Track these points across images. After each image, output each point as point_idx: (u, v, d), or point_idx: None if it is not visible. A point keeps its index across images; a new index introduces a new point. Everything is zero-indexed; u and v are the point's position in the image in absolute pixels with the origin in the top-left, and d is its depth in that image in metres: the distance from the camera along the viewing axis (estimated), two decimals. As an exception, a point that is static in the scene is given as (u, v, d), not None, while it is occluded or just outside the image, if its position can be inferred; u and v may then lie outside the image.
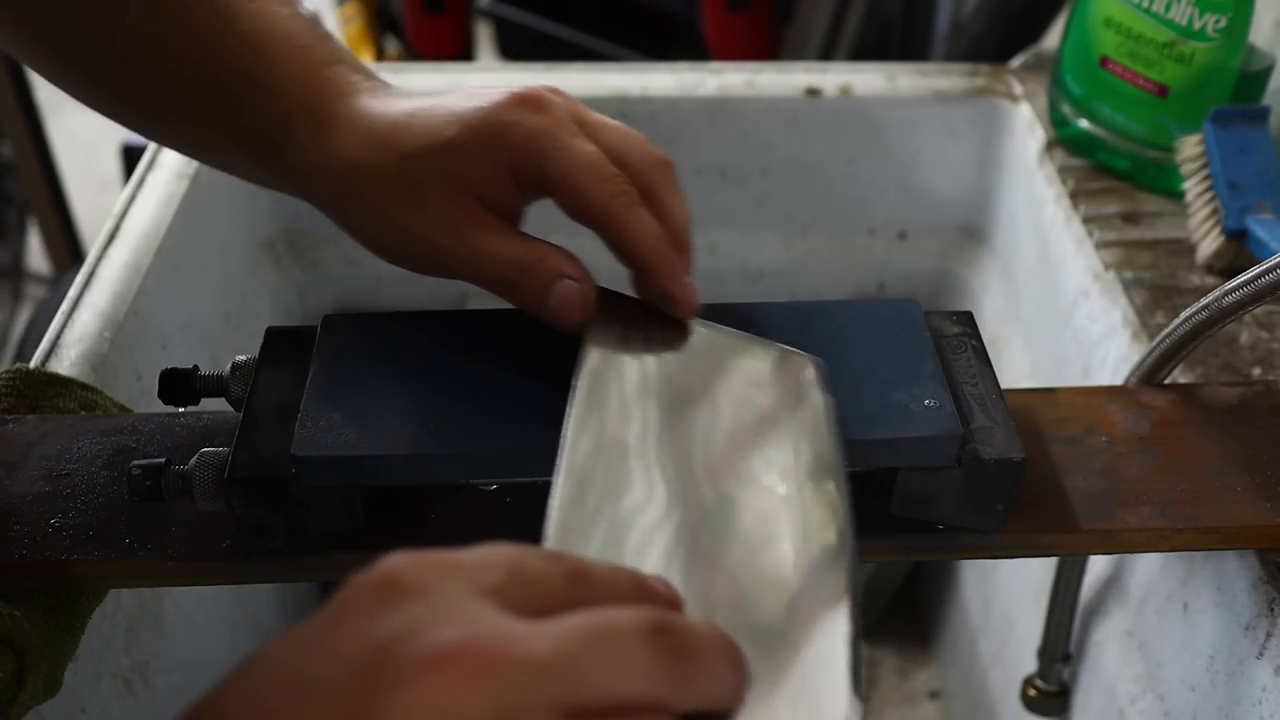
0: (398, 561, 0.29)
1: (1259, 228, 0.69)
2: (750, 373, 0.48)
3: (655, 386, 0.45)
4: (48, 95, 2.03)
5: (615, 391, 0.44)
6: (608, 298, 0.50)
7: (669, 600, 0.33)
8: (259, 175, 0.53)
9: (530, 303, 0.48)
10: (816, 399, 0.47)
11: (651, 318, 0.49)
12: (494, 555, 0.30)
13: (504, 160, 0.47)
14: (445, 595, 0.28)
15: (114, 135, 1.62)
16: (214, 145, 0.53)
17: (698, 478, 0.41)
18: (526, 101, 0.48)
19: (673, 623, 0.30)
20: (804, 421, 0.45)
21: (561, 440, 0.40)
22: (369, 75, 0.52)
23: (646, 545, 0.37)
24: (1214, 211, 0.73)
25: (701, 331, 0.50)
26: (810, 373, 0.48)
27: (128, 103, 0.53)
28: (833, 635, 0.37)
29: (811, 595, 0.38)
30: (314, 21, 0.53)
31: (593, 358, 0.45)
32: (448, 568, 0.29)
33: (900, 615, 1.16)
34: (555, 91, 0.49)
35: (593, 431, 0.41)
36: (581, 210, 0.48)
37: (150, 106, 0.53)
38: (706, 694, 0.30)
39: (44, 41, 0.52)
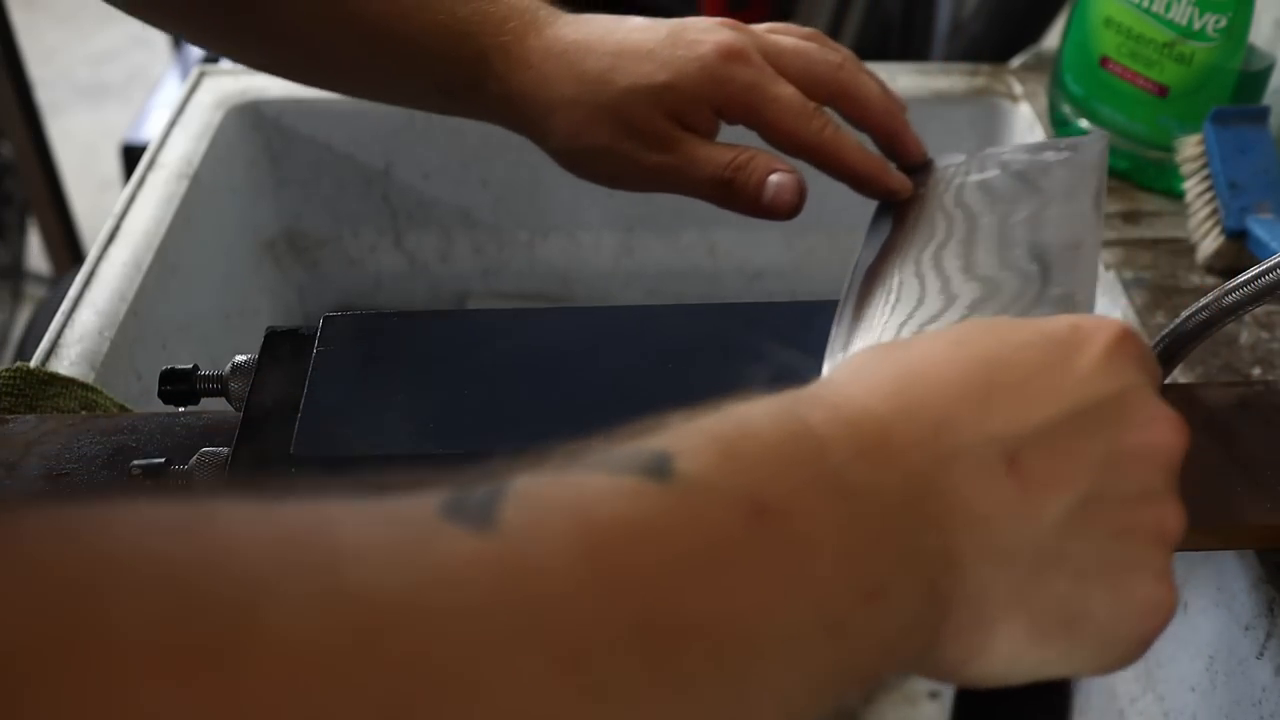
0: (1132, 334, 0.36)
1: (1259, 228, 0.69)
2: (1005, 168, 0.56)
3: (914, 211, 0.55)
4: (48, 95, 2.03)
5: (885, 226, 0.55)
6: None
7: None
8: (455, 110, 0.57)
9: (748, 196, 0.53)
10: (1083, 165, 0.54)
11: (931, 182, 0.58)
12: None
13: (715, 105, 0.53)
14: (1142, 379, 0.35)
15: (114, 135, 1.62)
16: (408, 92, 0.57)
17: (947, 272, 0.49)
18: (733, 56, 0.53)
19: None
20: (1062, 191, 0.53)
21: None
22: (540, 2, 0.56)
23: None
24: (1214, 211, 0.73)
25: (943, 166, 0.59)
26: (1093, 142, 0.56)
27: (312, 60, 0.57)
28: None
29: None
30: None
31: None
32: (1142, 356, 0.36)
33: (900, 615, 1.16)
34: (738, 27, 0.54)
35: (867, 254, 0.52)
36: (794, 149, 0.54)
37: (339, 63, 0.56)
38: None
39: (231, 15, 0.55)
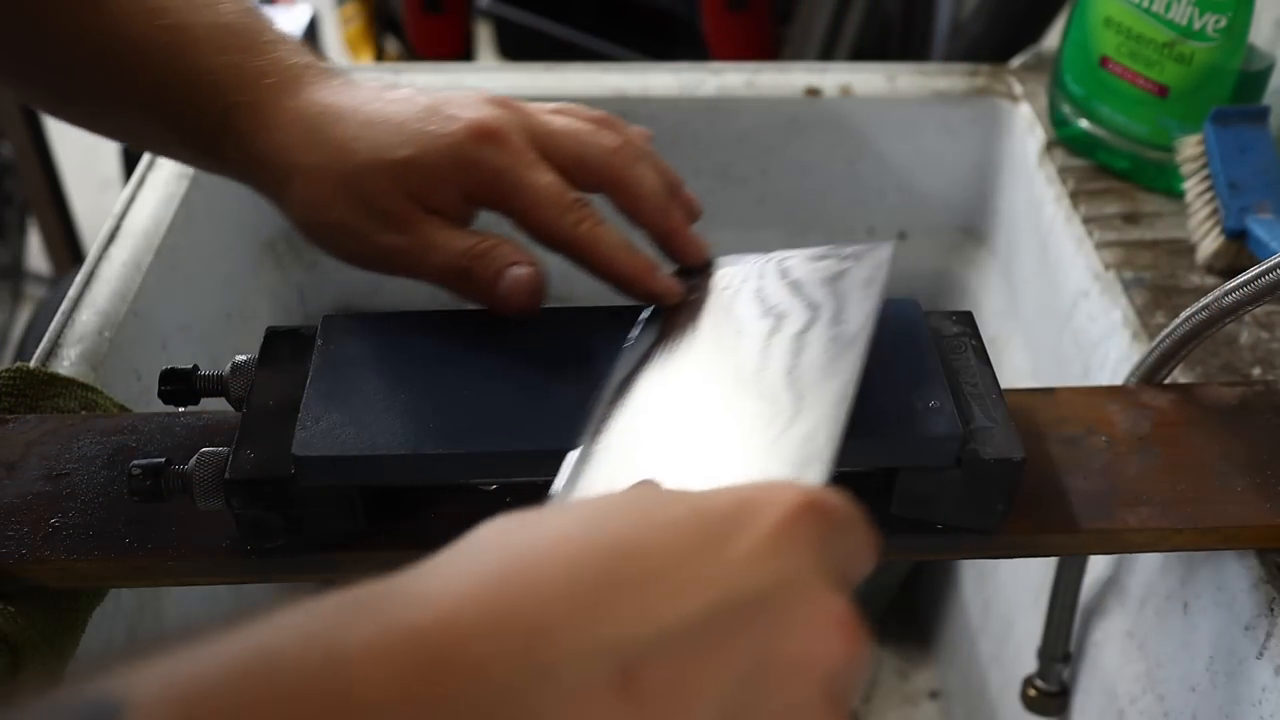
0: (828, 497, 0.31)
1: (1259, 228, 0.69)
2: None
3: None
4: (48, 95, 2.02)
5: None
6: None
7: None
8: (202, 164, 0.54)
9: (482, 289, 0.50)
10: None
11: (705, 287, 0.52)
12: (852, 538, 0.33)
13: (461, 188, 0.49)
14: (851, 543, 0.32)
15: (114, 135, 1.61)
16: (154, 138, 0.54)
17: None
18: (486, 136, 0.49)
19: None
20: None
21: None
22: (308, 58, 0.52)
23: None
24: (1214, 211, 0.73)
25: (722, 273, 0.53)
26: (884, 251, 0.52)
27: (63, 98, 0.54)
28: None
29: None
30: (246, 4, 0.53)
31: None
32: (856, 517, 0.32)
33: (900, 615, 1.16)
34: (506, 105, 0.51)
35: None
36: (549, 241, 0.50)
37: (89, 101, 0.53)
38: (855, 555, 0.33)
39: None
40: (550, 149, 0.50)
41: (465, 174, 0.49)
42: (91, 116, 0.55)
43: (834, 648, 0.29)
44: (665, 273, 0.52)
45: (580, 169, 0.50)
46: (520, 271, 0.49)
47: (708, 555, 0.28)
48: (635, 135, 0.52)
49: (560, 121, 0.51)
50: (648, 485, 0.35)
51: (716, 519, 0.29)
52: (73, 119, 0.56)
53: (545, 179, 0.49)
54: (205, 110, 0.50)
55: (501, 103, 0.51)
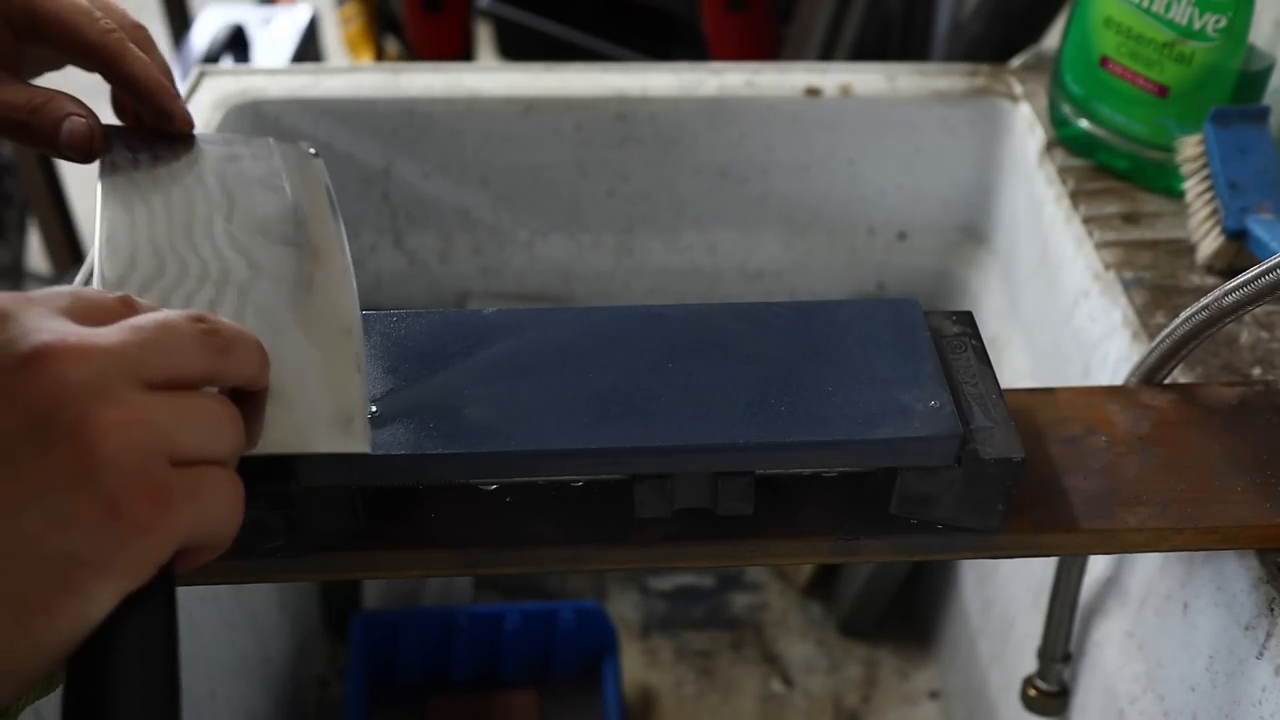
0: None
1: (1259, 228, 0.69)
2: (248, 156, 0.56)
3: (166, 181, 0.53)
4: (48, 95, 2.02)
5: (134, 193, 0.51)
6: (118, 131, 0.55)
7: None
8: None
9: (43, 140, 0.52)
10: (312, 170, 0.56)
11: (158, 140, 0.55)
12: (58, 289, 0.37)
13: (4, 19, 0.51)
14: (29, 315, 0.35)
15: (114, 135, 1.61)
16: None
17: (217, 245, 0.49)
18: None
19: (209, 316, 0.39)
20: (301, 189, 0.54)
21: (94, 240, 0.48)
22: None
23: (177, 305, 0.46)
24: (1214, 211, 0.73)
25: (201, 140, 0.56)
26: (302, 149, 0.57)
27: None
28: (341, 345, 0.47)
29: (324, 316, 0.48)
30: None
31: (110, 175, 0.52)
32: (22, 299, 0.36)
33: (900, 615, 1.16)
34: None
35: (121, 223, 0.50)
36: (77, 47, 0.52)
37: None
38: (242, 369, 0.39)
39: None
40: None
41: None
42: None
43: None
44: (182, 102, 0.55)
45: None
46: (77, 121, 0.52)
47: None
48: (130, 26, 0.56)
49: None
50: None
51: None
52: None
53: None
54: None
55: None
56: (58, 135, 0.52)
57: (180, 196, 0.52)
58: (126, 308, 0.38)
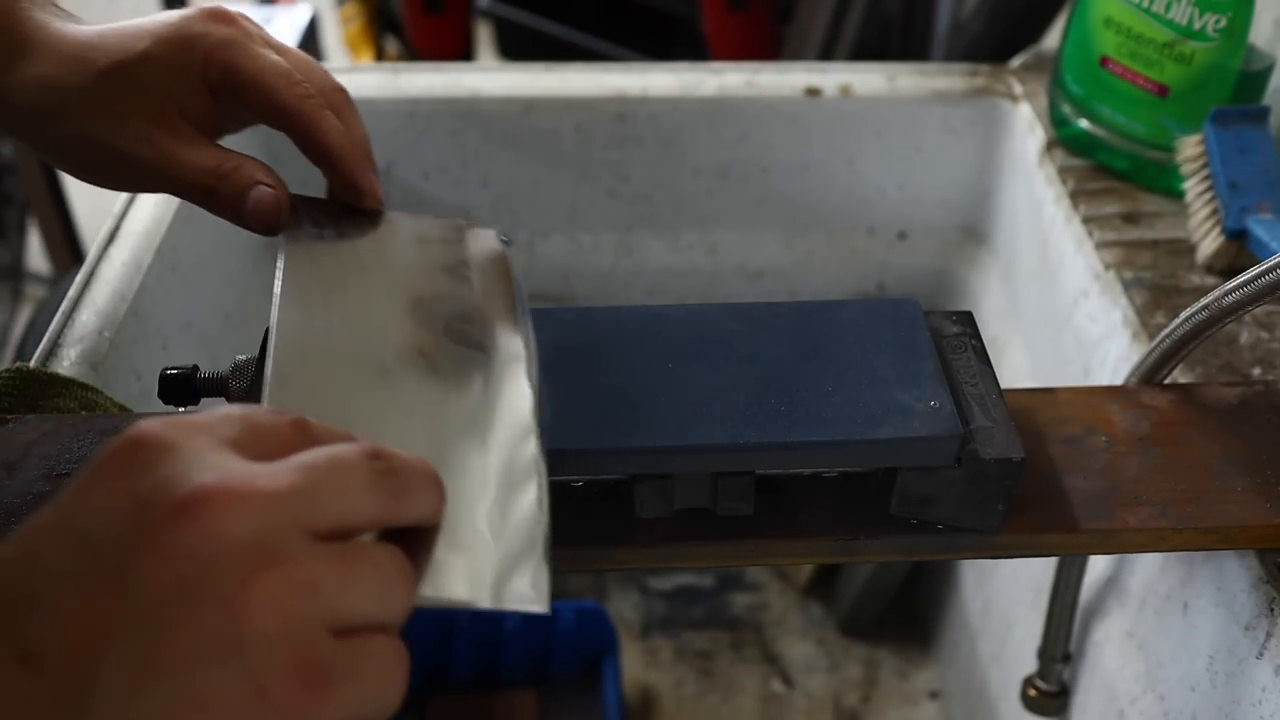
0: (144, 425, 0.32)
1: (1259, 228, 0.69)
2: (436, 244, 0.52)
3: (350, 267, 0.49)
4: (48, 95, 2.02)
5: (315, 277, 0.48)
6: (303, 202, 0.52)
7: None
8: None
9: (228, 209, 0.50)
10: (501, 263, 0.52)
11: (344, 214, 0.52)
12: (227, 412, 0.34)
13: (197, 69, 0.50)
14: (192, 448, 0.32)
15: (114, 135, 1.61)
16: None
17: (393, 343, 0.45)
18: (215, 15, 0.51)
19: (384, 450, 0.34)
20: (489, 283, 0.50)
21: (270, 323, 0.44)
22: (58, 7, 0.54)
23: (351, 413, 0.42)
24: (1214, 211, 0.73)
25: (390, 218, 0.53)
26: (491, 237, 0.53)
27: None
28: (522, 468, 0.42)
29: (503, 437, 0.43)
30: None
31: (291, 251, 0.49)
32: (189, 426, 0.32)
33: (900, 615, 1.16)
34: (241, 14, 0.52)
35: (297, 313, 0.45)
36: (273, 110, 0.50)
37: None
38: (417, 509, 0.35)
39: None
40: (279, 54, 0.51)
41: (196, 50, 0.49)
42: None
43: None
44: (374, 176, 0.52)
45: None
46: (264, 191, 0.50)
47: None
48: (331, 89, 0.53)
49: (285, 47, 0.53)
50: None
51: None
52: None
53: (274, 56, 0.50)
54: None
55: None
56: (243, 205, 0.50)
57: (361, 285, 0.48)
58: (300, 434, 0.34)
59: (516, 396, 0.45)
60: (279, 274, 0.47)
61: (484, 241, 0.53)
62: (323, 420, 0.36)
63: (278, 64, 0.50)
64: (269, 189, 0.50)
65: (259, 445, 0.33)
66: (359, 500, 0.33)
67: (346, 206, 0.52)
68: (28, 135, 0.52)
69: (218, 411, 0.34)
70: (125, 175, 0.51)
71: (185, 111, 0.50)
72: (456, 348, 0.46)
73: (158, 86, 0.50)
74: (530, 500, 0.41)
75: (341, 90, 0.52)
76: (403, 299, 0.48)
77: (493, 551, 0.38)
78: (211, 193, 0.50)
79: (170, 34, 0.50)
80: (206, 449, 0.32)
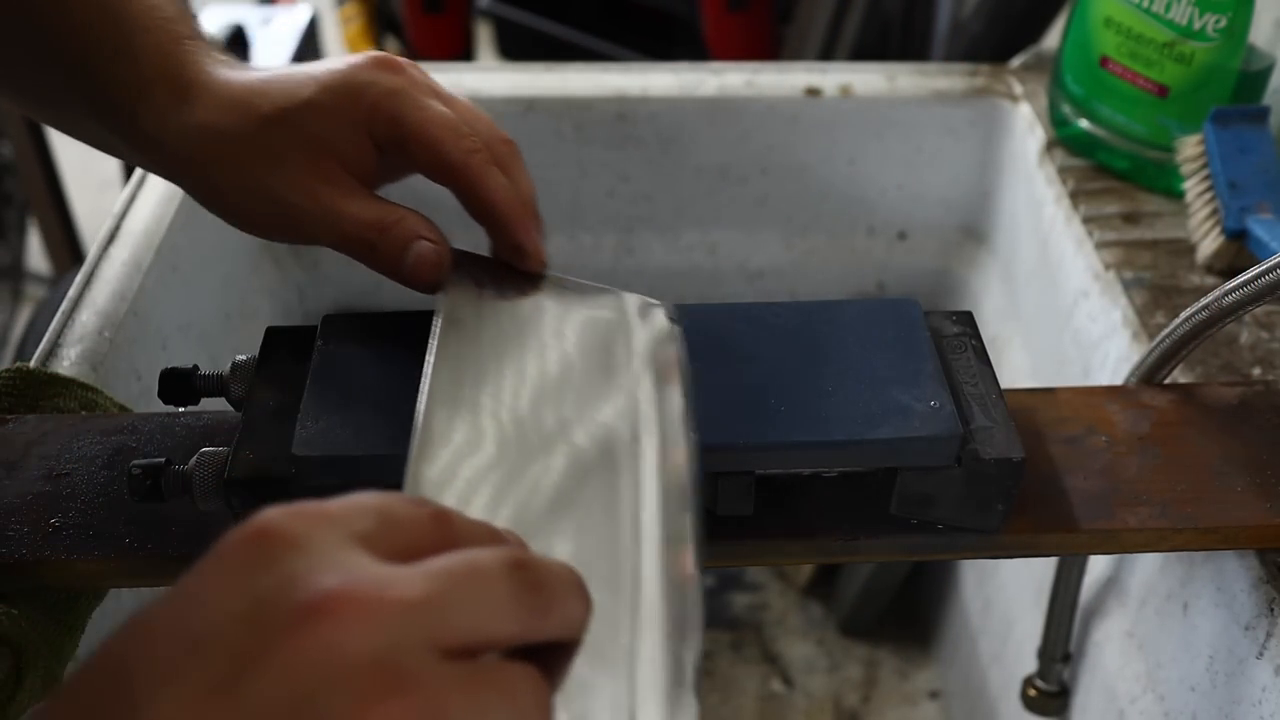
0: (270, 515, 0.30)
1: (1259, 228, 0.69)
2: (601, 320, 0.49)
3: (509, 336, 0.47)
4: (48, 95, 2.03)
5: (470, 343, 0.46)
6: (463, 258, 0.50)
7: (519, 546, 0.34)
8: (108, 141, 0.53)
9: (388, 264, 0.49)
10: (668, 342, 0.49)
11: (504, 274, 0.50)
12: (362, 502, 0.31)
13: (362, 120, 0.48)
14: (319, 544, 0.29)
15: (114, 135, 1.61)
16: (65, 106, 0.53)
17: (546, 426, 0.42)
18: (383, 64, 0.49)
19: (529, 559, 0.31)
20: (653, 362, 0.47)
21: (420, 391, 0.42)
22: (224, 51, 0.53)
23: (498, 499, 0.39)
24: (1214, 211, 0.73)
25: (552, 284, 0.51)
26: (662, 318, 0.50)
27: None
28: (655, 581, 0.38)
29: (655, 536, 0.40)
30: None
31: (449, 311, 0.47)
32: (319, 518, 0.30)
33: (900, 615, 1.16)
34: (410, 62, 0.51)
35: (447, 383, 0.43)
36: (438, 165, 0.48)
37: (4, 64, 0.52)
38: (561, 624, 0.32)
39: None
40: (447, 105, 0.50)
41: (362, 99, 0.48)
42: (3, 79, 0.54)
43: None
44: (539, 237, 0.51)
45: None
46: (425, 247, 0.48)
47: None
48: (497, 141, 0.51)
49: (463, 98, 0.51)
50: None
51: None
52: None
53: (441, 107, 0.49)
54: (125, 82, 0.49)
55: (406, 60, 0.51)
56: (403, 261, 0.48)
57: (518, 357, 0.46)
58: (440, 530, 0.31)
59: (673, 492, 0.41)
60: (435, 335, 0.45)
61: (651, 318, 0.50)
62: (465, 504, 0.34)
63: (445, 116, 0.48)
64: (431, 244, 0.48)
65: (394, 541, 0.30)
66: (498, 616, 0.30)
67: (507, 266, 0.51)
68: (188, 182, 0.51)
69: (352, 500, 0.31)
70: (284, 225, 0.50)
71: (347, 162, 0.49)
72: (612, 431, 0.43)
73: (321, 135, 0.48)
74: (682, 616, 0.37)
75: (509, 143, 0.51)
76: (558, 375, 0.45)
77: (640, 672, 0.35)
78: (372, 248, 0.48)
79: (337, 82, 0.48)
80: (335, 545, 0.29)
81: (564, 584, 0.32)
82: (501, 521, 0.36)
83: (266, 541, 0.29)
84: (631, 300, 0.51)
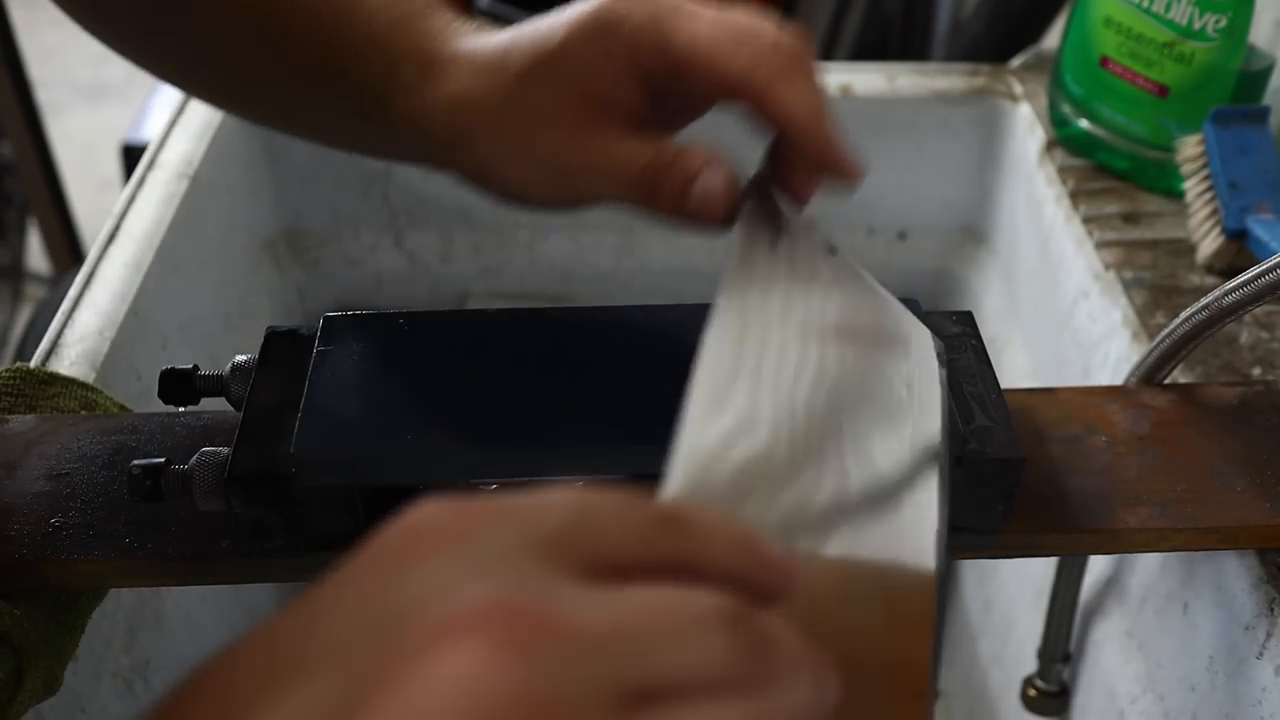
0: (430, 508, 0.25)
1: (1259, 228, 0.69)
2: (886, 334, 0.44)
3: (796, 315, 0.41)
4: (48, 95, 2.03)
5: (758, 299, 0.41)
6: (756, 189, 0.45)
7: (780, 569, 0.27)
8: (365, 135, 0.50)
9: (668, 204, 0.44)
10: (936, 373, 0.44)
11: (798, 235, 0.45)
12: (558, 498, 0.25)
13: (621, 55, 0.44)
14: (482, 548, 0.23)
15: (114, 135, 1.61)
16: (317, 108, 0.51)
17: (823, 431, 0.37)
18: None
19: (758, 618, 0.24)
20: (920, 389, 0.42)
21: (702, 345, 0.37)
22: (464, 18, 0.49)
23: (772, 489, 0.33)
24: (1214, 211, 0.73)
25: (845, 269, 0.46)
26: (930, 344, 0.46)
27: (223, 73, 0.51)
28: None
29: (899, 582, 0.35)
30: None
31: (742, 253, 0.41)
32: (490, 514, 0.24)
33: (900, 615, 1.16)
34: None
35: (734, 337, 0.38)
36: (717, 85, 0.43)
37: (250, 75, 0.50)
38: (782, 708, 0.24)
39: (153, 35, 0.50)
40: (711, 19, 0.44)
41: (619, 33, 0.43)
42: (248, 89, 0.52)
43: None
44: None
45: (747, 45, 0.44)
46: (710, 182, 0.43)
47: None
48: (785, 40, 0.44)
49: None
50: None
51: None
52: (218, 98, 0.53)
53: (706, 23, 0.43)
54: (372, 68, 0.47)
55: None
56: (687, 200, 0.43)
57: (800, 342, 0.40)
58: (667, 538, 0.25)
59: (921, 543, 0.36)
60: (728, 272, 0.40)
61: (923, 342, 0.46)
62: (740, 491, 0.28)
63: (713, 33, 0.42)
64: (718, 170, 0.43)
65: (591, 550, 0.24)
66: (698, 676, 0.23)
67: (805, 227, 0.46)
68: (448, 161, 0.48)
69: (543, 495, 0.25)
70: (561, 187, 0.46)
71: (611, 105, 0.44)
72: (878, 449, 0.39)
73: (579, 82, 0.44)
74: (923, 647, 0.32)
75: (794, 48, 0.43)
76: (835, 383, 0.40)
77: None
78: (647, 191, 0.44)
79: (586, 23, 0.44)
80: (504, 550, 0.23)
81: (796, 657, 0.25)
82: (770, 528, 0.30)
83: (418, 541, 0.24)
84: (922, 332, 0.46)
